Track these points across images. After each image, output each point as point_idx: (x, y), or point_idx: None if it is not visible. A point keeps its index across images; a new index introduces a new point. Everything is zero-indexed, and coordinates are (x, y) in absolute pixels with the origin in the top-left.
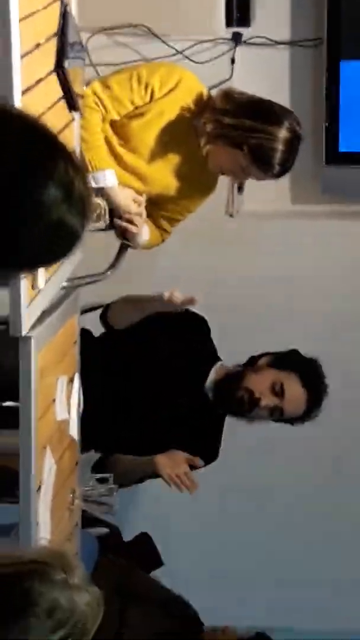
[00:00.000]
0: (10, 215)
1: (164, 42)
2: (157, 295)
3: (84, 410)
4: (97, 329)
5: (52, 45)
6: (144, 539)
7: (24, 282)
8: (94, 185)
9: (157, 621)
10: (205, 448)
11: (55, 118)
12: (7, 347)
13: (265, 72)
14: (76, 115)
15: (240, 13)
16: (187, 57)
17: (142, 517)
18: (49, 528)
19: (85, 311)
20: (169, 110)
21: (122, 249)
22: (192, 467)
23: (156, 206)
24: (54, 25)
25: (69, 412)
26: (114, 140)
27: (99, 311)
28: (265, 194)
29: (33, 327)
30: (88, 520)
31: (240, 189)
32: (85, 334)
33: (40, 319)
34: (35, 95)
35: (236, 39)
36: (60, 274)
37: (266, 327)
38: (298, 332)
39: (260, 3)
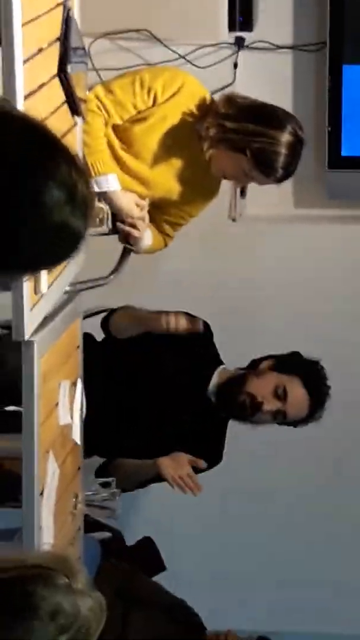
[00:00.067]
0: (11, 216)
1: (166, 46)
2: (161, 315)
3: (86, 415)
4: (100, 334)
5: (55, 50)
6: (146, 544)
7: (27, 287)
8: (96, 189)
9: (160, 625)
10: (209, 452)
11: (57, 122)
12: (10, 351)
13: (267, 77)
14: (79, 119)
15: (242, 17)
16: (189, 62)
17: (144, 521)
18: (52, 532)
19: (88, 316)
20: (171, 114)
21: (125, 253)
22: (196, 469)
23: (159, 210)
24: (56, 30)
25: (71, 417)
26: (117, 145)
27: (102, 316)
28: (268, 198)
29: (36, 331)
30: (91, 525)
31: (242, 193)
32: (87, 338)
33: (43, 324)
34: (37, 100)
35: (239, 43)
36: (63, 279)
37: (269, 331)
38: (300, 334)
39: (262, 7)
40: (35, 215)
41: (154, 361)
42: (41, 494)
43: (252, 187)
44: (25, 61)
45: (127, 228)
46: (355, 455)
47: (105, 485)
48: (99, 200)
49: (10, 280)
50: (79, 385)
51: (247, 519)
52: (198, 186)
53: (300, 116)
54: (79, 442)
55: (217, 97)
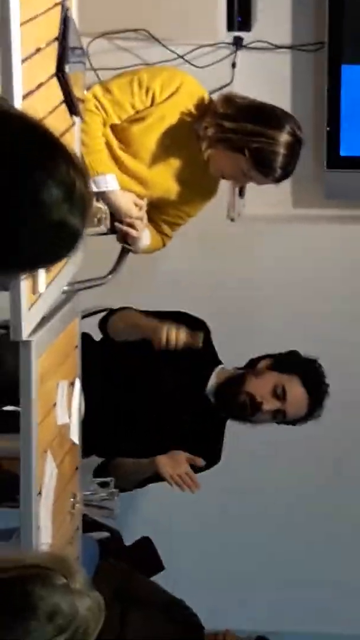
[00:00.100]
0: (11, 214)
1: (164, 46)
2: (160, 326)
3: (85, 415)
4: (98, 333)
5: (53, 50)
6: (145, 543)
7: (25, 287)
8: (95, 189)
9: (158, 625)
10: (207, 451)
11: (56, 122)
12: (8, 351)
13: (266, 76)
14: (77, 119)
15: (241, 17)
16: (188, 62)
17: (142, 520)
18: (50, 532)
19: (86, 315)
20: (170, 114)
21: (123, 253)
22: (194, 467)
23: (157, 210)
24: (54, 30)
25: (69, 417)
26: (115, 145)
27: (100, 315)
28: (267, 198)
29: (34, 331)
30: (89, 525)
31: (241, 193)
32: (86, 338)
33: (41, 324)
34: (36, 100)
35: (237, 43)
36: (61, 278)
37: (267, 330)
38: (299, 334)
39: (261, 7)
40: (34, 214)
41: (152, 361)
42: (39, 493)
43: (250, 187)
44: (23, 61)
45: (125, 228)
46: (355, 455)
47: (103, 485)
48: (97, 200)
49: (8, 279)
50: (77, 385)
51: (246, 518)
52: (196, 186)
53: (299, 116)
54: (77, 441)
55: (215, 97)
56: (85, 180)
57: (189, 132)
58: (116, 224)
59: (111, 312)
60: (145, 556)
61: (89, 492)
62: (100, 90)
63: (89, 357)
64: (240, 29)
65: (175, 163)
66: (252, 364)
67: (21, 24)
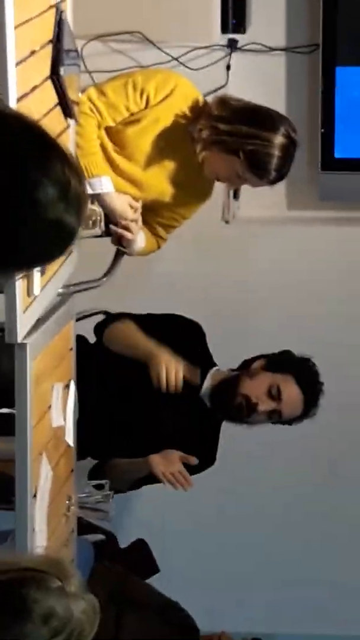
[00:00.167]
0: (9, 214)
1: (159, 48)
2: (157, 356)
3: (79, 417)
4: (93, 336)
5: (48, 52)
6: (140, 546)
7: (20, 289)
8: (90, 191)
9: (153, 627)
10: (202, 453)
11: (50, 125)
12: (3, 354)
13: (260, 79)
14: (71, 122)
15: (235, 19)
16: (182, 64)
17: (137, 523)
18: (45, 535)
19: (81, 318)
20: (164, 116)
21: (118, 255)
22: (188, 466)
23: (152, 212)
24: (49, 32)
25: (64, 419)
26: (110, 147)
27: (95, 318)
28: (261, 200)
29: (29, 334)
30: (84, 527)
31: (236, 195)
32: (80, 340)
33: (36, 326)
34: (30, 102)
35: (232, 45)
36: (56, 281)
37: (262, 332)
38: (294, 336)
39: (255, 9)
40: (30, 214)
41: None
42: (34, 496)
43: (245, 189)
44: (17, 63)
45: (120, 230)
46: (351, 455)
47: (98, 487)
48: (92, 202)
49: (3, 279)
50: (72, 387)
51: (243, 519)
52: (191, 188)
53: (294, 118)
54: (72, 444)
55: (210, 99)
56: (81, 179)
57: (184, 135)
58: (111, 226)
59: (109, 319)
60: (140, 558)
61: (84, 495)
62: (95, 92)
63: (84, 360)
64: (234, 31)
65: (169, 165)
66: (246, 365)
67: (16, 27)
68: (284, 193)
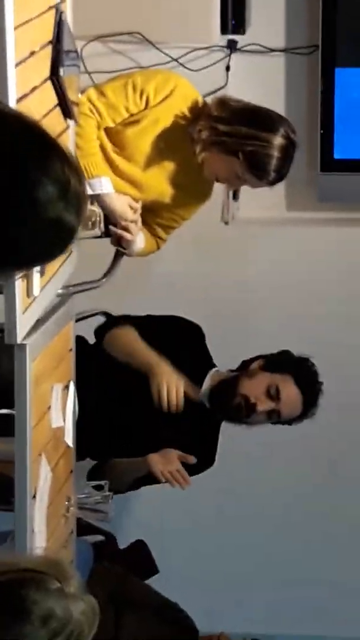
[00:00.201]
0: (8, 213)
1: (159, 49)
2: (159, 375)
3: (79, 418)
4: (92, 337)
5: (47, 53)
6: (139, 547)
7: (19, 290)
8: (90, 192)
9: (153, 628)
10: (202, 454)
11: (50, 125)
12: (3, 354)
13: (260, 80)
14: (71, 122)
15: (235, 20)
16: (182, 65)
17: (136, 523)
18: (45, 535)
19: (80, 318)
20: (164, 117)
21: (118, 256)
22: (186, 465)
23: (151, 213)
24: (49, 33)
25: (64, 420)
26: (109, 148)
27: (95, 319)
28: (261, 201)
29: (28, 334)
30: (83, 528)
31: (235, 196)
32: (80, 341)
33: (35, 327)
34: (30, 103)
35: (231, 46)
36: (55, 281)
37: (262, 333)
38: (294, 336)
39: (255, 10)
40: (29, 212)
41: None
42: (34, 497)
43: (244, 190)
44: (17, 64)
45: (120, 231)
46: (351, 455)
47: (97, 488)
48: (92, 203)
49: (3, 278)
50: (72, 388)
51: (242, 519)
52: (191, 189)
53: (293, 119)
54: (71, 445)
55: (209, 100)
56: (80, 179)
57: (183, 135)
58: (110, 227)
59: (109, 323)
60: (140, 559)
61: (83, 495)
62: (95, 93)
63: (84, 360)
64: (234, 32)
65: (169, 166)
66: (245, 365)
67: (15, 27)
68: (284, 194)
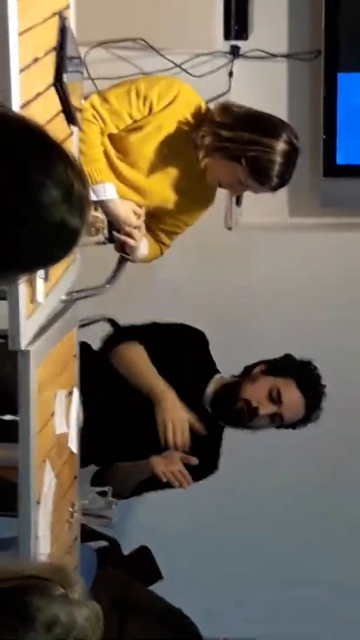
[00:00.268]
0: (9, 215)
1: (162, 55)
2: (160, 394)
3: (83, 424)
4: (96, 343)
5: (51, 59)
6: (143, 553)
7: (23, 296)
8: (94, 198)
9: (156, 634)
10: (205, 460)
11: (54, 131)
12: (6, 360)
13: (263, 85)
14: (75, 129)
15: (238, 26)
16: (185, 71)
17: (140, 528)
18: (49, 541)
19: (84, 325)
20: (167, 123)
21: (121, 262)
22: (189, 467)
23: (155, 219)
24: (52, 40)
25: (68, 426)
26: (113, 154)
27: (99, 325)
28: (264, 207)
29: (32, 341)
30: (87, 534)
31: (238, 201)
32: (84, 347)
33: (39, 333)
34: (33, 109)
35: (234, 52)
36: (59, 287)
37: (265, 338)
38: (296, 342)
39: (258, 16)
40: (33, 215)
41: None
42: (38, 503)
43: (247, 196)
44: (21, 70)
45: (124, 237)
46: (351, 459)
47: (101, 494)
48: (96, 209)
49: (7, 282)
50: (75, 394)
51: (243, 520)
52: (194, 195)
53: (296, 124)
54: (75, 451)
55: (212, 105)
56: (83, 181)
57: (187, 141)
58: (114, 233)
59: (118, 336)
60: (144, 565)
61: (87, 501)
62: (98, 99)
63: (87, 367)
64: (237, 38)
65: (172, 172)
66: (248, 371)
67: (19, 34)
68: (286, 199)
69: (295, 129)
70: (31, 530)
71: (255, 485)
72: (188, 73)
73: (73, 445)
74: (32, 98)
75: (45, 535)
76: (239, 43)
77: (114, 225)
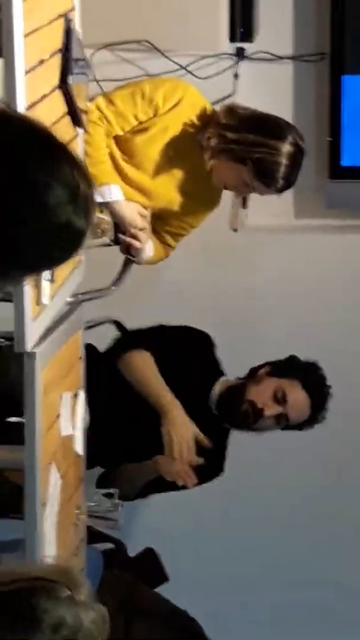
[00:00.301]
0: (15, 216)
1: (167, 57)
2: (167, 406)
3: (89, 426)
4: (101, 344)
5: (56, 61)
6: (149, 555)
7: (29, 298)
8: (99, 199)
9: (163, 636)
10: (211, 463)
11: (59, 133)
12: (12, 362)
13: (268, 87)
14: (80, 130)
15: (243, 28)
16: (190, 73)
17: (146, 531)
18: (55, 544)
19: (90, 327)
20: (172, 125)
21: (127, 264)
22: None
23: (160, 221)
24: (58, 42)
25: (73, 428)
26: (118, 156)
27: (104, 327)
28: (269, 209)
29: (38, 343)
30: (93, 536)
31: (244, 203)
32: (89, 349)
33: (44, 335)
34: (39, 111)
35: (239, 54)
36: (64, 290)
37: (270, 340)
38: (301, 344)
39: (263, 18)
40: (39, 216)
41: None
42: (44, 505)
43: (253, 198)
44: (26, 72)
45: (129, 239)
46: (357, 462)
47: (107, 496)
48: (102, 211)
49: (14, 283)
50: (81, 396)
51: (248, 521)
52: (199, 197)
53: (301, 126)
54: (81, 453)
55: (218, 107)
56: (89, 182)
57: (192, 143)
58: (119, 235)
59: (126, 342)
60: (150, 567)
61: (93, 503)
62: (104, 101)
63: (93, 368)
64: (242, 40)
65: (178, 174)
66: (253, 373)
67: (25, 36)
68: (292, 201)
69: (301, 131)
70: (37, 532)
71: (260, 487)
72: (193, 75)
73: (79, 447)
74: (38, 100)
75: (51, 537)
76: (245, 45)
77: (120, 227)
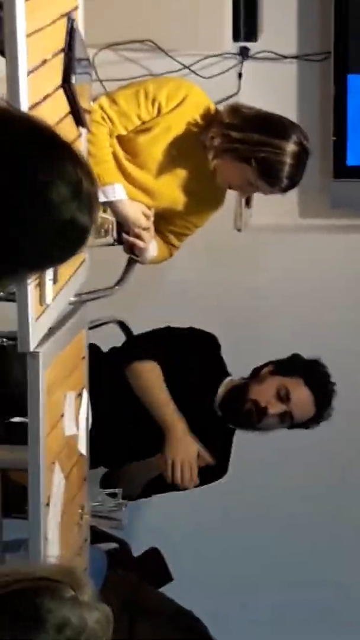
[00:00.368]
0: (19, 214)
1: (170, 57)
2: (171, 426)
3: (92, 426)
4: (105, 344)
5: (59, 61)
6: (153, 554)
7: (32, 297)
8: (103, 199)
9: (167, 635)
10: (215, 464)
11: (62, 133)
12: (15, 362)
13: (272, 87)
14: (83, 130)
15: (247, 27)
16: (194, 72)
17: (149, 530)
18: (59, 543)
19: (93, 326)
20: (176, 125)
21: (130, 263)
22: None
23: (164, 221)
24: (60, 41)
25: (77, 428)
26: (121, 155)
27: (108, 326)
28: (273, 208)
29: (41, 342)
30: (97, 536)
31: (248, 203)
32: (93, 349)
33: (48, 335)
34: (42, 111)
35: (243, 53)
36: (68, 289)
37: (274, 340)
38: (305, 344)
39: (267, 17)
40: (42, 214)
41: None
42: (47, 505)
43: (257, 197)
44: (29, 72)
45: (133, 239)
46: (359, 461)
47: (111, 495)
48: (105, 210)
49: (18, 281)
50: (85, 396)
51: (248, 521)
52: (203, 196)
53: (305, 126)
54: (84, 453)
55: (221, 107)
56: (92, 179)
57: (196, 143)
58: (123, 234)
59: (135, 350)
60: (154, 567)
61: (96, 503)
62: (107, 101)
63: (97, 368)
64: (246, 39)
65: (181, 173)
66: (256, 372)
67: (27, 36)
68: (296, 201)
69: (305, 130)
70: (41, 532)
71: (261, 487)
72: (197, 74)
73: (82, 447)
74: (41, 100)
75: (55, 537)
76: (248, 44)
77: (123, 226)
